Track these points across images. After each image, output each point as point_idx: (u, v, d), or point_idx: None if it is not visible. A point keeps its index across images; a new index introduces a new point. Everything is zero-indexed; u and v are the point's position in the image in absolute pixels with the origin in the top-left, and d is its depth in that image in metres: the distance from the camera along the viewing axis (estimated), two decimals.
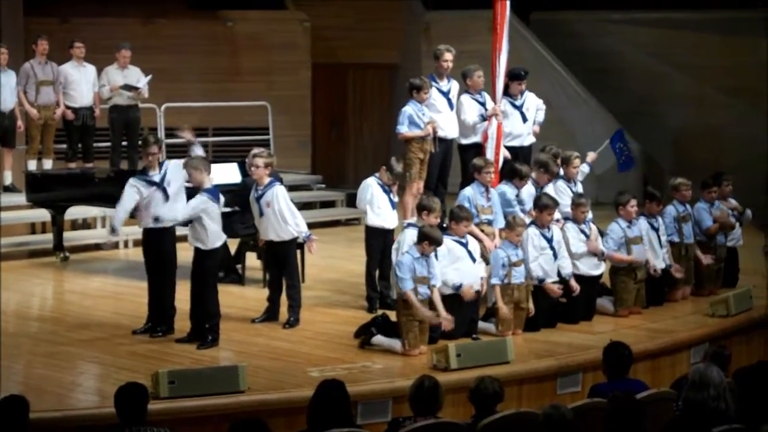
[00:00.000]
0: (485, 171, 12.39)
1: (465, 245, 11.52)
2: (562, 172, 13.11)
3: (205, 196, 11.10)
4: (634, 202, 12.72)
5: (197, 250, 11.12)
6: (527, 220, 12.24)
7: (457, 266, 11.45)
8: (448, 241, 11.44)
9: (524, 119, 13.64)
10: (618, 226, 12.66)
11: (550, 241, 12.07)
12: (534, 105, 13.81)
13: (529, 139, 13.69)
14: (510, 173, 12.85)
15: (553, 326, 12.04)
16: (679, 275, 13.13)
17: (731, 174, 14.58)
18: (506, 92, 13.53)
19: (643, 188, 18.29)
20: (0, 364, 10.01)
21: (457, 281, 11.35)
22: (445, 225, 11.80)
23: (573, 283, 12.18)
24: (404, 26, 22.53)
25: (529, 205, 12.61)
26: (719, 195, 14.04)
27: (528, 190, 12.78)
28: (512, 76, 13.55)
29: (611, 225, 12.73)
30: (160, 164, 11.53)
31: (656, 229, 13.02)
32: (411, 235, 11.41)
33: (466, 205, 12.13)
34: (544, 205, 12.07)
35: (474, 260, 11.56)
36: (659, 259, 13.00)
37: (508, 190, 12.71)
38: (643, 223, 12.86)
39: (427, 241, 10.87)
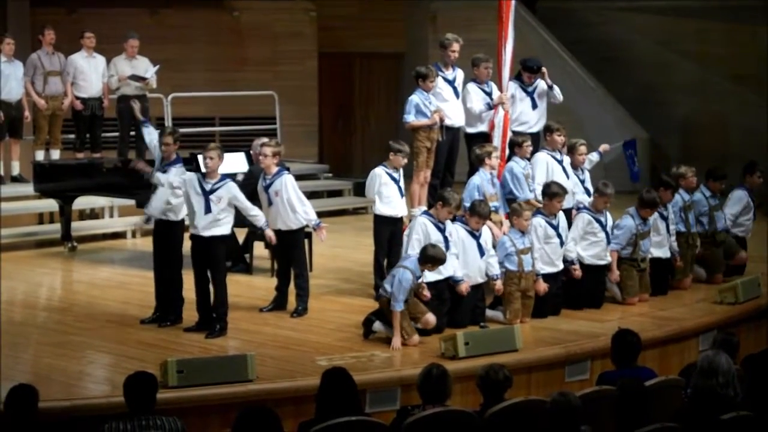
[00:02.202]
0: (494, 156, 12.42)
1: (477, 237, 11.52)
2: (568, 159, 13.09)
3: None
4: (655, 208, 12.71)
5: (206, 238, 11.12)
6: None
7: (465, 258, 11.47)
8: (461, 230, 11.46)
9: (534, 105, 13.61)
10: (632, 221, 12.56)
11: (556, 228, 12.07)
12: (545, 89, 13.77)
13: (538, 126, 13.64)
14: (510, 147, 12.92)
15: (557, 314, 12.07)
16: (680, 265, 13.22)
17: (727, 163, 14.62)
18: (519, 77, 13.55)
19: (651, 178, 18.33)
20: (9, 353, 10.05)
21: (458, 275, 11.38)
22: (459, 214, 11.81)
23: (576, 269, 12.20)
24: (410, 15, 22.50)
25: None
26: (749, 185, 14.06)
27: (544, 159, 12.85)
28: (524, 66, 13.55)
29: (625, 219, 12.62)
30: (176, 161, 11.52)
31: (665, 218, 12.99)
32: (422, 222, 11.40)
33: (476, 194, 12.15)
34: (553, 194, 12.04)
35: (483, 254, 11.57)
36: (665, 248, 12.99)
37: (515, 165, 12.75)
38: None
39: (431, 263, 10.81)
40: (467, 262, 11.50)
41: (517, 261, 11.68)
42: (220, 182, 11.13)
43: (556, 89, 13.65)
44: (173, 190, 11.29)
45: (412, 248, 11.29)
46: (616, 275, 12.49)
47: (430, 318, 11.00)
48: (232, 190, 11.19)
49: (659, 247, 12.92)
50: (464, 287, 11.34)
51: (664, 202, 13.01)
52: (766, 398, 7.75)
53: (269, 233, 11.56)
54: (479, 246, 11.54)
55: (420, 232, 11.34)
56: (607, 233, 12.43)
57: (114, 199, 16.08)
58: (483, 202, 11.80)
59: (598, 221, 12.40)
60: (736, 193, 14.15)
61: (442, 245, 11.16)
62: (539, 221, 12.00)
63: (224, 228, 11.18)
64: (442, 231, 11.35)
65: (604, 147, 13.87)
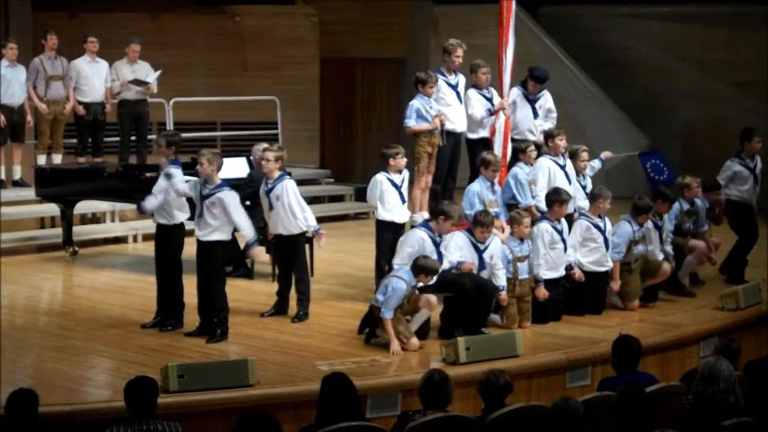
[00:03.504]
0: (492, 168, 12.39)
1: (481, 252, 11.52)
2: (571, 164, 13.06)
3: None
4: (650, 213, 12.70)
5: (205, 243, 11.11)
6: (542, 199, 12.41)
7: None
8: (465, 239, 11.47)
9: (535, 114, 13.60)
10: (630, 228, 12.53)
11: (561, 233, 12.07)
12: (547, 106, 13.77)
13: (536, 135, 13.62)
14: (513, 153, 12.92)
15: (558, 319, 12.07)
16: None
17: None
18: (524, 84, 13.54)
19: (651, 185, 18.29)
20: (10, 358, 10.04)
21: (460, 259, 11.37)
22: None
23: (577, 272, 12.19)
24: (412, 20, 22.50)
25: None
26: (747, 152, 14.01)
27: (547, 164, 12.81)
28: (531, 75, 13.53)
29: (623, 226, 12.58)
30: (174, 161, 11.53)
31: (659, 228, 12.96)
32: (419, 237, 11.34)
33: (476, 201, 12.16)
34: (562, 201, 12.05)
35: (483, 267, 11.56)
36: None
37: (520, 171, 12.74)
38: (648, 223, 12.81)
39: (424, 274, 10.81)
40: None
41: (512, 269, 11.68)
42: (216, 189, 11.10)
43: (552, 116, 13.65)
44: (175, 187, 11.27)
45: (401, 259, 11.26)
46: (617, 285, 12.47)
47: (431, 298, 11.01)
48: (224, 199, 11.06)
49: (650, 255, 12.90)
50: (467, 267, 11.31)
51: (660, 213, 12.99)
52: (767, 404, 7.75)
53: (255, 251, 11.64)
54: (481, 259, 11.52)
55: (415, 245, 11.29)
56: (606, 238, 12.41)
57: (115, 204, 16.08)
58: (484, 212, 11.73)
59: (597, 227, 12.38)
60: (726, 162, 14.14)
61: (434, 257, 11.17)
62: (546, 227, 12.01)
63: (220, 234, 11.16)
64: (438, 245, 11.33)
65: (606, 154, 13.85)
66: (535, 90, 13.59)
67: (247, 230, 11.20)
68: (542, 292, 11.87)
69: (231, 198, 11.09)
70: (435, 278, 10.99)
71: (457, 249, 11.43)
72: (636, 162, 19.37)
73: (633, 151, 15.03)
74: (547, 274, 11.99)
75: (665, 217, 13.10)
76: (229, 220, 11.08)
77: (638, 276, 12.59)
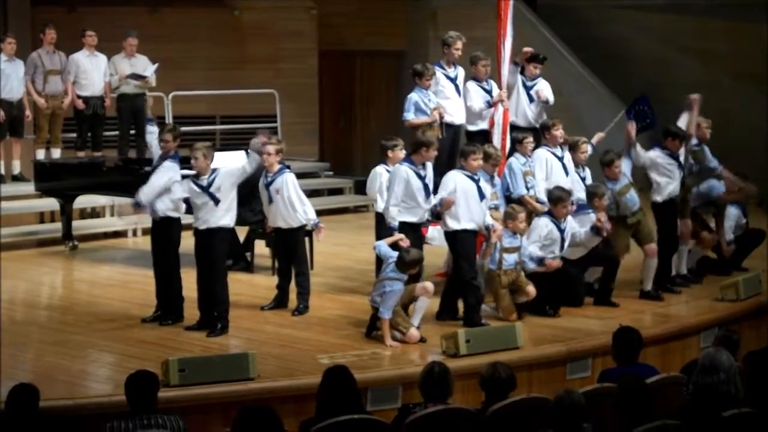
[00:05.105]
0: (491, 162, 12.35)
1: (477, 181, 11.51)
2: (569, 156, 13.03)
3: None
4: (618, 162, 12.66)
5: (202, 233, 11.09)
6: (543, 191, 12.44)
7: (467, 205, 11.43)
8: (459, 177, 11.43)
9: (530, 99, 13.57)
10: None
11: (562, 232, 12.01)
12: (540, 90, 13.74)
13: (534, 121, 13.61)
14: (511, 144, 12.91)
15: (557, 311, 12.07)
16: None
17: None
18: (522, 71, 13.51)
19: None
20: (10, 353, 10.05)
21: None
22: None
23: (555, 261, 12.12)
24: (411, 13, 22.47)
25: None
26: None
27: (544, 156, 12.78)
28: (530, 57, 13.52)
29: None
30: (173, 157, 11.52)
31: (681, 164, 13.04)
32: (405, 171, 11.35)
33: None
34: (558, 198, 12.01)
35: (482, 197, 11.52)
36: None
37: (515, 161, 12.71)
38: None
39: (412, 267, 10.86)
40: (470, 208, 11.43)
41: (498, 259, 11.66)
42: (212, 174, 11.11)
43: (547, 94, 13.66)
44: (171, 182, 11.27)
45: (396, 199, 11.32)
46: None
47: (427, 285, 11.08)
48: (225, 174, 11.13)
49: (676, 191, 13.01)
50: (447, 202, 11.28)
51: (673, 152, 13.00)
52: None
53: None
54: (479, 189, 11.50)
55: (404, 182, 11.31)
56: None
57: (115, 198, 16.09)
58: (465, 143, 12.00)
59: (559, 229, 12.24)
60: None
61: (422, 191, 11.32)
62: (545, 221, 11.96)
63: (228, 219, 11.16)
64: (423, 179, 11.42)
65: (599, 136, 13.76)
66: (533, 73, 13.54)
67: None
68: (556, 263, 11.83)
69: (227, 171, 11.17)
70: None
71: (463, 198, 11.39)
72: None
73: (617, 115, 14.95)
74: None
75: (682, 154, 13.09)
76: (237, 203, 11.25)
77: (629, 234, 12.55)
